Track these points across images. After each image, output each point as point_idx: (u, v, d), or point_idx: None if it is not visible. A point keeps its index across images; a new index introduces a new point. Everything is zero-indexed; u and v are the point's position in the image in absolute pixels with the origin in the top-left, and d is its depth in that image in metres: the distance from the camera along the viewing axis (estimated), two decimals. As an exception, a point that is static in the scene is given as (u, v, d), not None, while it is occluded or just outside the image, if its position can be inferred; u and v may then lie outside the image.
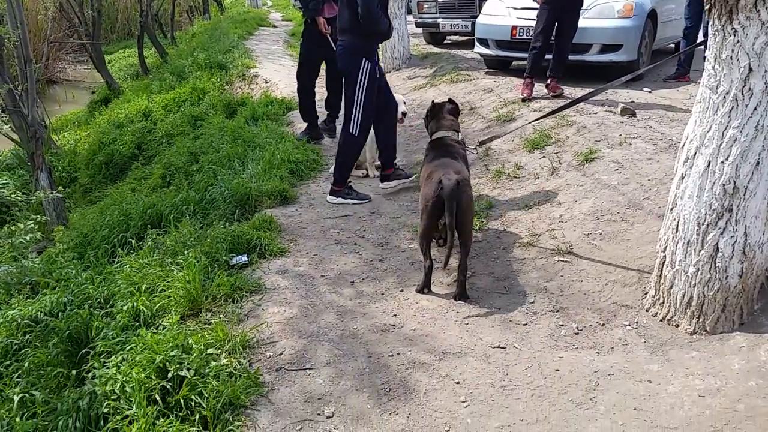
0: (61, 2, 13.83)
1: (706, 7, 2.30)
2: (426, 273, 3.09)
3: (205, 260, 3.30)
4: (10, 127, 6.52)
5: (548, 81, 6.22)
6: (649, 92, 6.52)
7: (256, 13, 21.97)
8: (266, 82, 9.25)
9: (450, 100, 4.03)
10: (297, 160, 5.16)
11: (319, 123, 6.21)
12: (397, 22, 9.02)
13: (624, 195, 3.74)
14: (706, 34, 5.01)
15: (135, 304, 2.99)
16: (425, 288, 3.10)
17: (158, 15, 20.48)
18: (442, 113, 3.86)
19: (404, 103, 5.09)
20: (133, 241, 4.05)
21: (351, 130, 4.34)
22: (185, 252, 3.44)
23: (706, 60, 2.39)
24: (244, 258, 3.41)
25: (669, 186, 3.66)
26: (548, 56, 6.28)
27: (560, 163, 4.37)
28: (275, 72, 9.95)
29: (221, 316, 2.94)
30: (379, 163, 5.25)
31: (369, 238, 3.86)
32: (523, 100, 6.05)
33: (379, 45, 8.82)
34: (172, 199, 5.02)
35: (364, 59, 4.24)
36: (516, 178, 4.48)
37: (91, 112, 13.22)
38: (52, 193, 5.19)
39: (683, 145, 2.52)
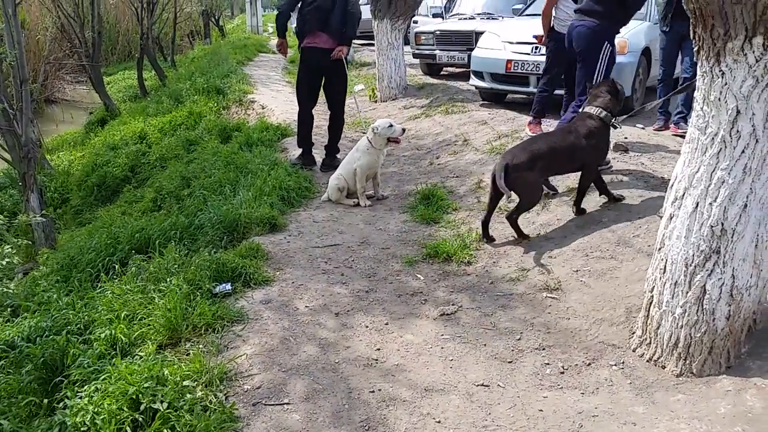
0: (63, 23, 13.95)
1: (695, 49, 2.31)
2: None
3: (187, 288, 3.25)
4: (1, 146, 6.49)
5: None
6: (642, 129, 6.55)
7: (256, 39, 22.23)
8: (263, 108, 9.29)
9: (612, 81, 4.20)
10: (288, 187, 5.14)
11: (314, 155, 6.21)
12: (394, 53, 9.12)
13: (614, 232, 3.72)
14: (692, 76, 5.06)
15: (113, 331, 2.93)
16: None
17: (159, 38, 20.67)
18: (599, 89, 4.08)
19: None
20: (117, 266, 3.98)
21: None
22: (168, 279, 3.39)
23: (695, 101, 2.39)
24: (228, 286, 3.36)
25: (660, 224, 3.69)
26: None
27: (551, 198, 4.35)
28: (272, 98, 10.00)
29: (201, 346, 2.88)
30: (371, 192, 5.25)
31: (357, 268, 3.82)
32: None
33: (380, 74, 8.93)
34: (161, 224, 4.98)
35: (606, 43, 4.53)
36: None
37: (87, 132, 13.24)
38: (35, 216, 5.13)
39: (672, 185, 2.50)
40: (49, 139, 13.33)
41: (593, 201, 4.21)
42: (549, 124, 6.46)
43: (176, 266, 3.56)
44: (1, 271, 6.75)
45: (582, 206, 4.16)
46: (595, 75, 4.63)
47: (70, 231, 7.36)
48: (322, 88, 6.02)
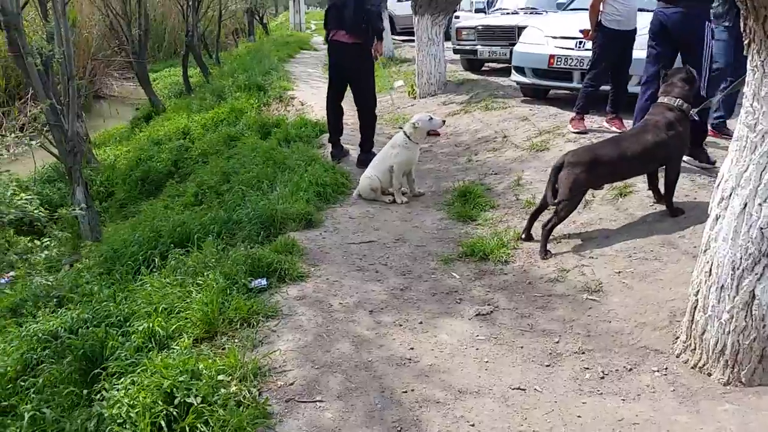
0: (111, 21, 14.31)
1: (745, 42, 2.19)
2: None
3: (224, 282, 3.28)
4: (49, 140, 6.67)
5: (610, 117, 5.99)
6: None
7: (298, 37, 22.43)
8: (302, 105, 9.35)
9: (687, 69, 4.04)
10: (325, 183, 5.14)
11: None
12: (434, 49, 9.04)
13: (658, 233, 3.59)
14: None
15: (151, 325, 2.96)
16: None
17: (204, 36, 21.05)
18: (673, 79, 3.92)
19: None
20: (157, 259, 4.04)
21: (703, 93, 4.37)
22: (206, 273, 3.42)
23: (744, 97, 2.27)
24: (264, 282, 3.37)
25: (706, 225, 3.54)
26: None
27: (593, 197, 4.23)
28: (312, 95, 10.05)
29: (236, 340, 2.89)
30: (406, 189, 5.20)
31: (392, 265, 3.79)
32: (577, 133, 5.86)
33: (419, 69, 8.88)
34: (201, 218, 5.05)
35: (707, 23, 4.47)
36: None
37: (133, 128, 13.56)
38: (75, 209, 5.26)
39: (718, 185, 2.39)
40: (96, 134, 13.70)
41: (637, 200, 4.08)
42: (593, 121, 6.31)
43: (214, 260, 3.59)
44: (46, 263, 6.97)
45: (626, 203, 4.05)
46: (704, 59, 4.47)
47: (115, 224, 7.54)
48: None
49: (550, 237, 3.75)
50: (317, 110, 8.77)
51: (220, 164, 6.73)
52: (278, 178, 5.40)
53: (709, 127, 5.44)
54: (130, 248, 5.04)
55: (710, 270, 2.38)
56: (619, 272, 3.30)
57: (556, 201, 3.68)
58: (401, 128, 5.17)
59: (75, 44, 15.25)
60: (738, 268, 2.26)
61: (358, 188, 5.09)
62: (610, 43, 5.79)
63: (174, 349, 2.79)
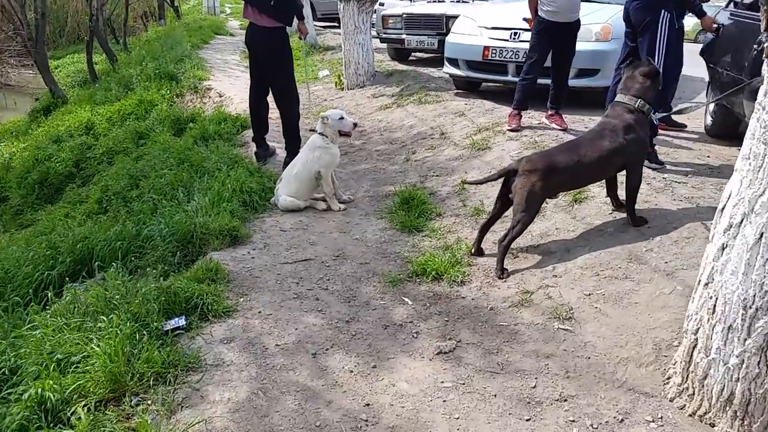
0: (2, 3, 12.88)
1: (765, 44, 1.87)
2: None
3: (132, 326, 2.69)
4: None
5: (550, 113, 5.67)
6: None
7: (213, 21, 21.22)
8: (220, 96, 8.64)
9: (649, 62, 3.70)
10: (251, 189, 4.58)
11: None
12: (362, 37, 8.55)
13: (623, 245, 3.30)
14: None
15: (41, 390, 2.35)
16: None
17: (111, 20, 19.55)
18: (633, 73, 3.55)
19: (350, 114, 4.63)
20: (50, 293, 3.37)
21: None
22: (109, 314, 2.82)
23: (757, 108, 1.95)
24: (182, 321, 2.81)
25: (673, 236, 3.28)
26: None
27: (546, 204, 3.91)
28: (230, 85, 9.33)
29: (149, 402, 2.34)
30: (344, 197, 4.74)
31: (333, 289, 3.32)
32: (512, 131, 5.55)
33: (346, 59, 8.32)
34: (106, 232, 4.41)
35: (663, 11, 4.27)
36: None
37: (31, 121, 12.30)
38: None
39: (723, 208, 2.07)
40: (-13, 128, 12.36)
41: (594, 207, 3.79)
42: (531, 116, 6.04)
43: (119, 296, 2.98)
44: None
45: (582, 210, 3.76)
46: (656, 49, 4.26)
47: (9, 234, 6.65)
48: None
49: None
50: (237, 102, 8.10)
51: (128, 166, 6.03)
52: (196, 184, 4.78)
53: (655, 121, 5.26)
54: (24, 268, 4.40)
55: (714, 307, 2.07)
56: (589, 294, 2.97)
57: (512, 213, 3.32)
58: (314, 130, 4.68)
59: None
60: (750, 307, 1.95)
61: (279, 205, 4.54)
62: (543, 34, 5.51)
63: (71, 417, 2.20)
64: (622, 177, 3.61)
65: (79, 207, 6.09)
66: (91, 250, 4.33)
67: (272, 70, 5.27)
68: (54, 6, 22.80)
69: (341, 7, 8.59)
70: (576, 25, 5.49)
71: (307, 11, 14.12)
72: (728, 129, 5.30)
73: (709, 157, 4.85)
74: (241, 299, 3.12)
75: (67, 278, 4.31)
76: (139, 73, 10.31)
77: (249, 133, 6.57)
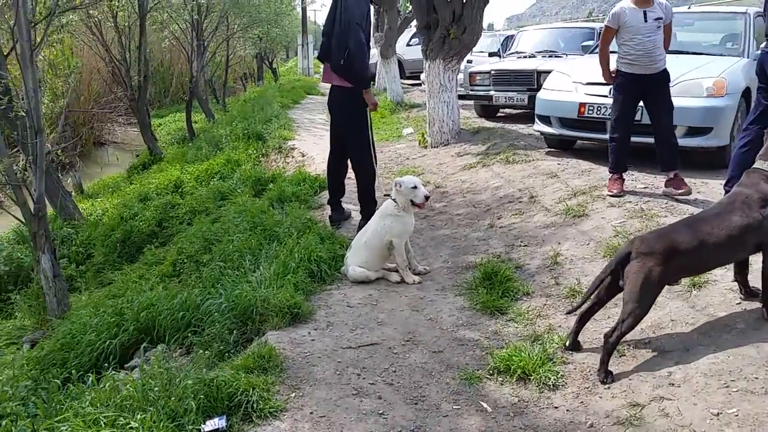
0: (112, 67, 13.81)
1: None
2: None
3: (165, 427, 2.35)
4: (13, 200, 5.88)
5: (670, 177, 4.97)
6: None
7: (306, 81, 21.99)
8: (303, 156, 8.58)
9: None
10: (320, 258, 4.25)
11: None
12: (447, 95, 8.27)
13: (758, 347, 2.65)
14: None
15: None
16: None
17: (212, 80, 20.65)
18: None
19: (423, 184, 4.22)
20: (91, 377, 3.12)
21: None
22: (146, 408, 2.50)
23: None
24: (222, 422, 2.44)
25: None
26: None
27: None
28: (314, 144, 9.28)
29: None
30: (419, 268, 4.32)
31: (399, 384, 2.86)
32: (613, 196, 4.98)
33: (430, 117, 8.02)
34: (171, 301, 4.22)
35: None
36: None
37: (129, 176, 12.88)
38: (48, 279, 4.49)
39: None
40: (90, 184, 13.02)
41: (718, 294, 3.15)
42: (635, 178, 5.43)
43: (159, 388, 2.65)
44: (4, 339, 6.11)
45: (703, 298, 3.12)
46: None
47: (89, 292, 6.69)
48: None
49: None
50: (318, 162, 7.96)
51: (204, 228, 5.90)
52: (264, 251, 4.52)
53: None
54: (88, 336, 4.29)
55: None
56: (718, 414, 2.34)
57: (623, 303, 2.75)
58: (388, 195, 4.31)
59: (76, 90, 14.82)
60: None
61: (348, 276, 4.18)
62: (624, 88, 4.98)
63: None
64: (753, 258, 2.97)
65: (155, 269, 6.01)
66: (155, 318, 4.15)
67: (345, 130, 5.04)
68: (161, 68, 24.46)
69: (426, 65, 8.39)
70: (664, 75, 4.90)
71: (394, 70, 14.19)
72: None
73: None
74: (293, 394, 2.72)
75: (129, 348, 4.19)
76: (228, 133, 10.52)
77: (326, 195, 6.33)
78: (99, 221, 8.75)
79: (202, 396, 2.52)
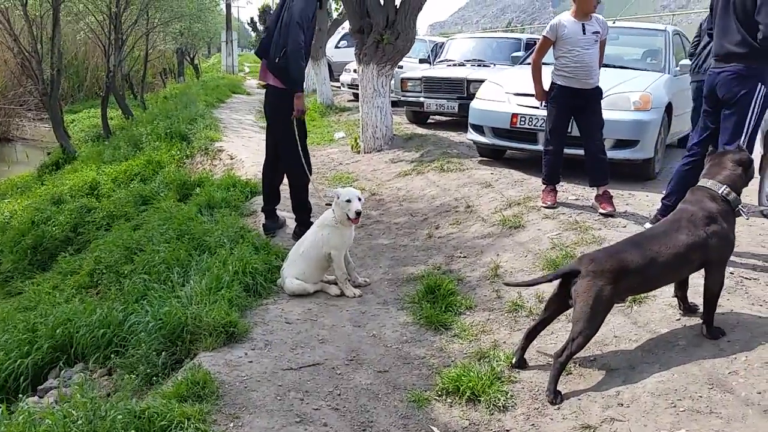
0: (21, 59, 12.87)
1: None
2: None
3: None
4: None
5: (599, 192, 4.99)
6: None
7: (231, 79, 21.34)
8: (231, 158, 8.25)
9: (740, 149, 3.14)
10: (255, 270, 4.04)
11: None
12: (380, 100, 8.19)
13: (700, 364, 2.69)
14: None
15: None
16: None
17: (129, 75, 19.65)
18: (721, 159, 3.06)
19: (358, 198, 4.01)
20: (2, 407, 2.79)
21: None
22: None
23: None
24: (155, 461, 2.23)
25: (762, 355, 2.67)
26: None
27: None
28: (243, 146, 8.97)
29: None
30: (359, 280, 4.19)
31: (345, 410, 2.72)
32: (547, 207, 5.03)
33: (364, 122, 7.90)
34: (89, 317, 3.90)
35: (760, 84, 3.70)
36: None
37: (39, 176, 12.01)
38: None
39: None
40: (-3, 183, 12.06)
41: (658, 310, 3.20)
42: (564, 188, 5.53)
43: (82, 421, 2.39)
44: None
45: (644, 314, 3.17)
46: (746, 123, 3.72)
47: (-2, 302, 6.14)
48: None
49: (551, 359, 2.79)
50: (248, 166, 7.68)
51: (124, 235, 5.51)
52: (193, 263, 4.26)
53: (746, 217, 4.64)
54: None
55: None
56: (669, 435, 2.36)
57: (573, 322, 2.72)
58: (330, 204, 4.16)
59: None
60: None
61: (285, 288, 4.00)
62: (558, 101, 5.04)
63: None
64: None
65: (70, 278, 5.57)
66: (72, 336, 3.83)
67: (278, 132, 4.84)
68: (75, 61, 23.11)
69: (360, 69, 8.28)
70: (596, 92, 5.01)
71: (324, 72, 14.00)
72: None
73: (774, 243, 4.27)
74: (231, 424, 2.52)
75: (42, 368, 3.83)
76: (149, 132, 10.00)
77: (259, 201, 6.08)
78: (6, 225, 8.08)
79: (133, 430, 2.28)
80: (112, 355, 3.39)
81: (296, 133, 4.70)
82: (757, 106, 3.71)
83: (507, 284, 3.06)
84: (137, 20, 15.51)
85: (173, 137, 9.46)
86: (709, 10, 4.15)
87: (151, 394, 2.68)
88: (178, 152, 8.82)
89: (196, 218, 5.27)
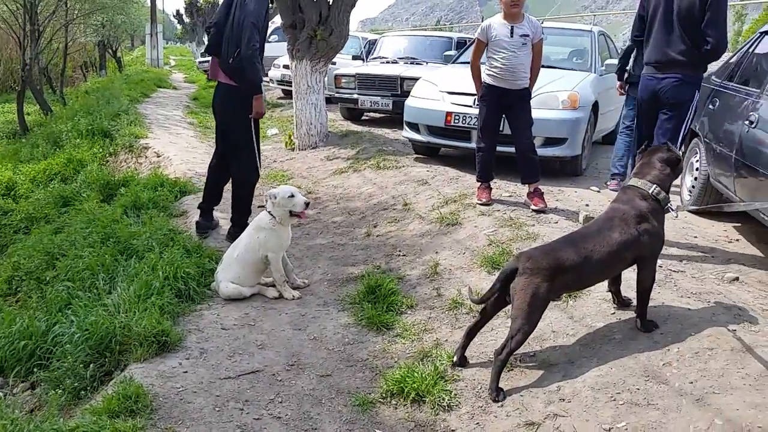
0: None
1: None
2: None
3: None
4: None
5: (530, 190, 5.08)
6: (598, 191, 5.83)
7: (155, 73, 20.58)
8: (158, 156, 7.93)
9: (668, 147, 3.18)
10: (187, 275, 3.88)
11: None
12: (315, 97, 8.08)
13: (635, 357, 2.77)
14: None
15: None
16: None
17: (48, 69, 18.60)
18: (650, 159, 3.12)
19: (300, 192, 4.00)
20: None
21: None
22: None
23: None
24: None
25: (692, 346, 2.78)
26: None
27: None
28: (170, 143, 8.64)
29: None
30: (298, 281, 4.11)
31: (288, 418, 2.64)
32: (482, 205, 5.07)
33: (298, 119, 7.77)
34: (9, 327, 3.64)
35: (696, 91, 4.00)
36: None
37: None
38: None
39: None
40: None
41: (593, 304, 3.28)
42: (498, 185, 5.61)
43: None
44: None
45: (578, 307, 3.24)
46: (684, 126, 3.98)
47: None
48: None
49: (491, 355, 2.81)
50: (177, 164, 7.41)
51: (44, 239, 5.19)
52: (120, 269, 4.04)
53: (675, 215, 4.83)
54: None
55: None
56: (610, 429, 2.41)
57: (511, 319, 2.75)
58: (262, 206, 4.06)
59: None
60: None
61: (220, 293, 3.88)
62: (488, 99, 5.08)
63: None
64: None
65: (-15, 286, 5.19)
66: (-11, 348, 3.56)
67: (226, 128, 4.71)
68: (-18, 53, 21.68)
69: (293, 65, 8.14)
70: (524, 93, 5.10)
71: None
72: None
73: (696, 237, 4.49)
74: (168, 439, 2.40)
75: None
76: (70, 129, 9.48)
77: (188, 201, 5.90)
78: None
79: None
80: (35, 369, 3.16)
81: (253, 131, 4.57)
82: (692, 112, 3.97)
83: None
84: (55, 11, 14.70)
85: (95, 134, 9.01)
86: (640, 17, 4.28)
87: (80, 411, 2.51)
88: (101, 150, 8.41)
89: (121, 220, 5.03)
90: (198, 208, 5.01)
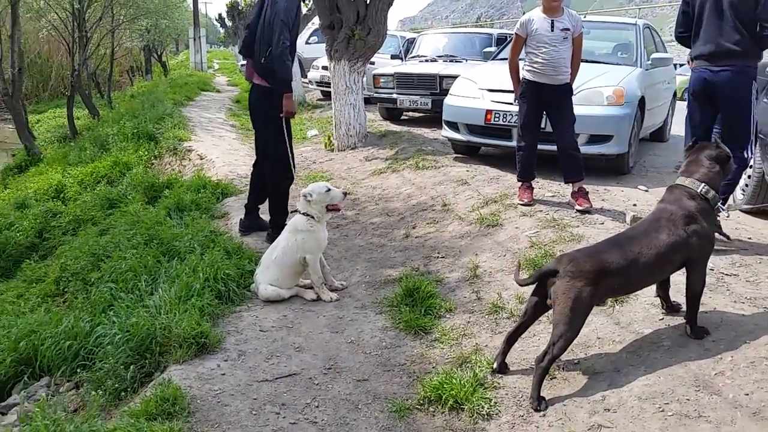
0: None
1: None
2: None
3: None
4: None
5: (574, 189, 4.92)
6: (647, 191, 5.64)
7: (199, 77, 20.95)
8: (201, 159, 8.05)
9: (718, 145, 3.05)
10: (227, 276, 3.90)
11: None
12: (353, 97, 8.06)
13: (685, 366, 2.64)
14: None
15: None
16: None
17: (96, 74, 19.18)
18: (698, 156, 3.00)
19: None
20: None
21: (747, 155, 3.99)
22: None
23: None
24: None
25: (747, 355, 2.63)
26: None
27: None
28: (213, 146, 8.76)
29: None
30: (336, 283, 4.09)
31: (324, 423, 2.61)
32: (524, 205, 4.96)
33: (337, 120, 7.77)
34: (55, 328, 3.73)
35: (754, 82, 3.89)
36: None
37: (4, 179, 11.63)
38: None
39: None
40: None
41: (640, 309, 3.16)
42: (540, 185, 5.48)
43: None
44: None
45: (626, 313, 3.12)
46: (752, 120, 3.89)
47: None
48: None
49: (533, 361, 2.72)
50: (219, 166, 7.51)
51: (90, 241, 5.32)
52: (162, 270, 4.10)
53: (726, 215, 4.58)
54: None
55: None
56: (659, 441, 2.30)
57: (552, 325, 2.65)
58: (296, 210, 4.05)
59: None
60: None
61: (259, 295, 3.89)
62: (529, 96, 4.95)
63: None
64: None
65: (35, 287, 5.36)
66: (37, 350, 3.66)
67: (263, 132, 4.76)
68: (38, 60, 22.53)
69: (331, 66, 8.14)
70: (565, 88, 4.94)
71: (295, 69, 13.78)
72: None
73: (750, 238, 4.28)
74: (205, 443, 2.41)
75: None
76: (116, 132, 9.73)
77: (229, 202, 5.97)
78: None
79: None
80: (79, 369, 3.23)
81: (285, 132, 4.60)
82: (754, 108, 3.86)
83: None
84: (102, 17, 15.12)
85: (141, 137, 9.22)
86: (683, 13, 4.13)
87: (119, 413, 2.54)
88: (146, 153, 8.60)
89: (164, 222, 5.11)
90: (245, 207, 5.07)
